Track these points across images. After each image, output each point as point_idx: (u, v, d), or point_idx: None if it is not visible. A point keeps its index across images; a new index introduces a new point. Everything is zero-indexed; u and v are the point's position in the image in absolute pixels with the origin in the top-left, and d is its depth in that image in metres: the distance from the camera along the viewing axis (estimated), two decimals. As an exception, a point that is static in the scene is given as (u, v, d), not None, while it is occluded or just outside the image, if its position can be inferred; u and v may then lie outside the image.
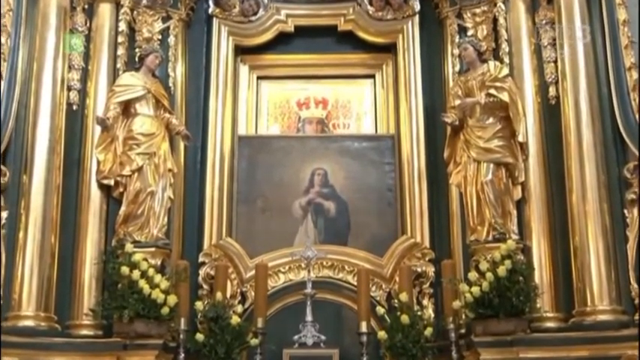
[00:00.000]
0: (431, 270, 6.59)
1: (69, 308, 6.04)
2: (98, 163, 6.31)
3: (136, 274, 5.73)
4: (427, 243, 6.71)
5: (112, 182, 6.30)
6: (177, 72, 6.92)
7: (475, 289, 5.69)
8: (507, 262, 5.71)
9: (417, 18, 7.27)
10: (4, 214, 5.88)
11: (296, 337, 5.94)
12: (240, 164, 7.12)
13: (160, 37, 6.90)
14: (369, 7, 7.31)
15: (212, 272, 6.52)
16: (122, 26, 6.70)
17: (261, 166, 7.13)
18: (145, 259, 5.90)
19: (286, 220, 6.97)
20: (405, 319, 5.85)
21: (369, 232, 6.93)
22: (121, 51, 6.66)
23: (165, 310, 5.70)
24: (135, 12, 6.85)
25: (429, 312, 6.39)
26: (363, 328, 5.95)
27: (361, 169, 7.13)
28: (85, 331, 5.94)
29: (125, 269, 5.75)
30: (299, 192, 7.07)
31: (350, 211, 7.02)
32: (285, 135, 7.49)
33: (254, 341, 5.87)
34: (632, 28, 6.22)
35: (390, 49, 7.43)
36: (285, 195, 7.04)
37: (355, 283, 6.37)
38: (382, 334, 5.90)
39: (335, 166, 7.16)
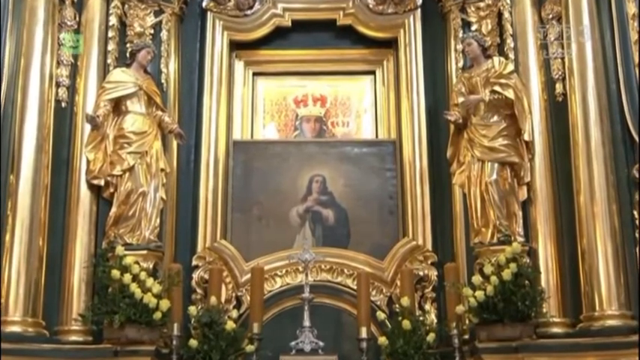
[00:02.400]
0: (433, 273, 6.60)
1: (57, 313, 6.04)
2: (88, 162, 6.31)
3: (127, 277, 5.73)
4: (429, 245, 6.72)
5: (102, 182, 6.30)
6: (170, 68, 6.93)
7: (479, 294, 5.70)
8: (512, 266, 5.71)
9: (419, 12, 7.28)
10: (-10, 215, 5.89)
11: (293, 343, 5.95)
12: (235, 170, 7.11)
13: (152, 31, 6.91)
14: (369, 0, 7.32)
15: (206, 276, 6.53)
16: (113, 20, 6.72)
17: (256, 172, 7.12)
18: (137, 263, 5.91)
19: (283, 229, 6.96)
20: (406, 324, 5.86)
21: (370, 241, 6.91)
22: (111, 46, 6.68)
23: (157, 315, 5.70)
24: (126, 6, 6.86)
25: (432, 317, 6.40)
26: (363, 333, 5.96)
27: (361, 175, 7.13)
28: (74, 337, 5.94)
29: (116, 273, 5.74)
30: (296, 199, 7.06)
31: (350, 220, 7.02)
32: (283, 140, 7.49)
33: (250, 347, 5.88)
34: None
35: (391, 44, 7.44)
36: (282, 202, 7.03)
37: (355, 287, 6.38)
38: (383, 340, 5.91)
39: (334, 172, 7.15)
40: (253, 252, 6.82)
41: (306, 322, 6.01)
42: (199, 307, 6.17)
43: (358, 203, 7.04)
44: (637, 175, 6.00)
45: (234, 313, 6.25)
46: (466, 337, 6.03)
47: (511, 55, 6.58)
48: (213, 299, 6.02)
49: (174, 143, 6.72)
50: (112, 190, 6.30)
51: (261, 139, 7.50)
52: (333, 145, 7.40)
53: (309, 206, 7.07)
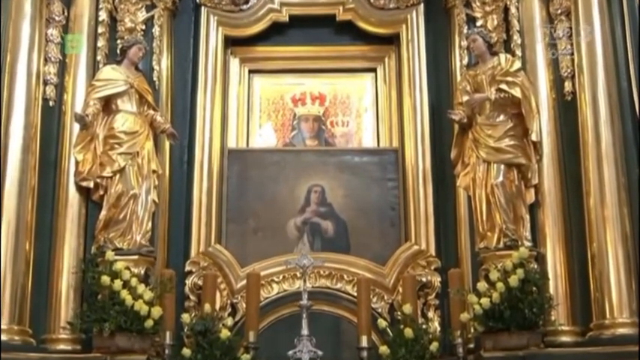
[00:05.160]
0: (437, 280, 6.60)
1: (45, 321, 6.03)
2: (77, 163, 6.30)
3: (117, 284, 5.72)
4: (433, 250, 6.73)
5: (91, 184, 6.29)
6: (163, 65, 6.92)
7: (485, 301, 5.69)
8: (519, 271, 5.71)
9: (421, 7, 7.31)
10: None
11: (291, 352, 5.92)
12: (230, 179, 7.09)
13: (143, 27, 6.90)
14: (370, -5, 7.34)
15: (200, 282, 6.52)
16: (103, 15, 6.72)
17: (252, 181, 7.10)
18: (128, 268, 5.90)
19: (280, 241, 6.93)
20: (408, 332, 5.86)
21: (370, 253, 6.87)
22: (101, 42, 6.67)
23: (149, 323, 5.69)
24: (116, 0, 6.85)
25: (435, 325, 6.41)
26: (364, 342, 5.95)
27: (362, 185, 7.11)
28: (62, 346, 5.93)
29: (106, 279, 5.74)
30: (294, 210, 7.05)
31: (349, 232, 7.00)
32: (280, 148, 7.47)
33: (245, 357, 5.87)
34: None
35: (392, 40, 7.45)
36: (279, 214, 7.01)
37: (355, 294, 6.38)
38: (384, 349, 5.91)
39: (333, 182, 7.13)
40: (249, 257, 6.80)
41: (304, 331, 5.99)
42: (193, 315, 6.18)
43: (359, 214, 7.02)
44: (649, 177, 6.02)
45: (229, 321, 6.25)
46: (471, 346, 6.03)
47: (518, 52, 6.58)
48: (207, 306, 6.01)
49: (167, 144, 6.72)
50: (101, 192, 6.29)
51: (257, 147, 7.47)
52: (333, 153, 7.38)
53: (307, 218, 7.05)
